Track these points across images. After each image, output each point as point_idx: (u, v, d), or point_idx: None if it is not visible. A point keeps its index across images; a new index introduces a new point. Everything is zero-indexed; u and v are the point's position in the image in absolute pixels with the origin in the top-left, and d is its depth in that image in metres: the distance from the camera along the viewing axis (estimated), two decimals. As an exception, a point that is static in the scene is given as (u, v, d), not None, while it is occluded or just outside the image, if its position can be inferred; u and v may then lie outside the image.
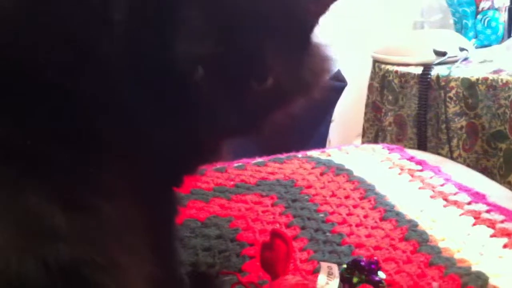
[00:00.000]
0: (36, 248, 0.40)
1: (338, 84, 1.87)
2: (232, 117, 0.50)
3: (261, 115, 0.53)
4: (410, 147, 1.41)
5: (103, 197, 0.45)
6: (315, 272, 0.67)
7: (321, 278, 0.61)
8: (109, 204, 0.45)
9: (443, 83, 1.44)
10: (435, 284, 0.65)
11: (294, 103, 0.57)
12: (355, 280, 0.62)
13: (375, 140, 1.66)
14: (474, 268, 0.68)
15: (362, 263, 0.63)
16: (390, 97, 1.60)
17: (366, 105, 1.75)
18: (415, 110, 1.51)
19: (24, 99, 0.45)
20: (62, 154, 0.45)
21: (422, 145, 1.49)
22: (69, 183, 0.44)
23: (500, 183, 1.23)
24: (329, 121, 1.99)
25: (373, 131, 1.71)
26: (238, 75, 0.49)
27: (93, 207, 0.44)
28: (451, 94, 1.43)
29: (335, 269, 0.62)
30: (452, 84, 1.43)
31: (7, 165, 0.42)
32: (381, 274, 0.64)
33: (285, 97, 0.54)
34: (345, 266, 0.64)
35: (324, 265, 0.62)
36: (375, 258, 0.68)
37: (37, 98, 0.46)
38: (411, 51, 1.61)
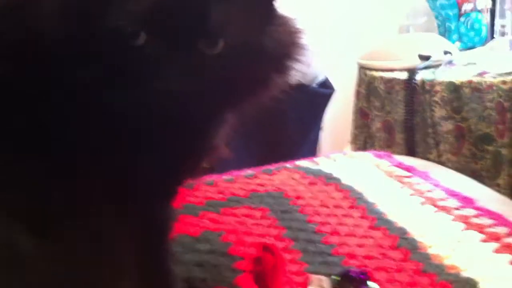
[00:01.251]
0: (2, 276, 0.39)
1: (326, 91, 1.88)
2: (184, 82, 0.46)
3: (224, 87, 0.49)
4: (399, 153, 1.42)
5: (77, 216, 0.44)
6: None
7: None
8: (85, 224, 0.44)
9: (428, 87, 1.46)
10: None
11: (271, 82, 0.53)
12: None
13: (364, 147, 1.67)
14: (464, 274, 0.69)
15: (352, 274, 0.63)
16: (376, 103, 1.61)
17: (354, 112, 1.76)
18: (402, 115, 1.52)
19: None
20: (29, 171, 0.43)
21: (410, 150, 1.50)
22: (38, 205, 0.42)
23: (489, 185, 1.24)
24: (319, 128, 2.00)
25: (362, 138, 1.72)
26: (183, 35, 0.45)
27: (66, 229, 0.43)
28: (436, 98, 1.44)
29: (326, 281, 0.62)
30: (437, 88, 1.44)
31: None
32: (372, 284, 0.64)
33: (249, 66, 0.50)
34: (334, 277, 0.64)
35: (314, 277, 0.63)
36: (365, 268, 0.68)
37: None
38: (395, 56, 1.62)
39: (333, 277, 0.65)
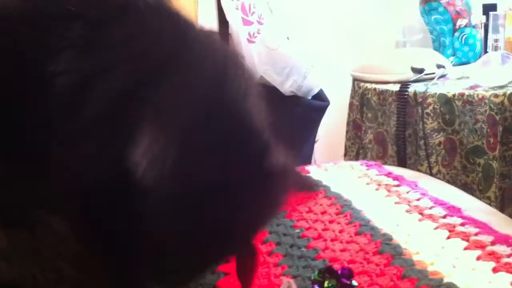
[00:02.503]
0: None
1: (321, 104, 1.89)
2: None
3: None
4: (390, 165, 1.42)
5: (51, 210, 0.44)
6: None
7: None
8: (57, 218, 0.43)
9: (420, 100, 1.46)
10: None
11: None
12: (326, 284, 0.62)
13: (356, 158, 1.68)
14: (447, 280, 0.69)
15: (335, 269, 0.64)
16: (369, 115, 1.62)
17: (347, 124, 1.77)
18: (394, 127, 1.52)
19: None
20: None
21: (401, 162, 1.50)
22: (11, 197, 0.43)
23: (479, 198, 1.24)
24: (313, 141, 2.00)
25: (355, 149, 1.72)
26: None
27: (39, 221, 0.43)
28: (428, 110, 1.45)
29: (293, 284, 0.63)
30: (429, 100, 1.45)
31: None
32: (354, 282, 0.64)
33: None
34: (317, 272, 0.65)
35: (284, 280, 0.63)
36: (351, 265, 0.69)
37: None
38: (389, 69, 1.63)
39: (315, 272, 0.65)
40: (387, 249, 0.77)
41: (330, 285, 0.62)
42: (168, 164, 0.41)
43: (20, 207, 0.42)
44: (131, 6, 0.46)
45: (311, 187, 0.52)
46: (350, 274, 0.64)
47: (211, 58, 0.47)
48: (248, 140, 0.47)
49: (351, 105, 1.74)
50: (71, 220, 0.43)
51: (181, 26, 0.47)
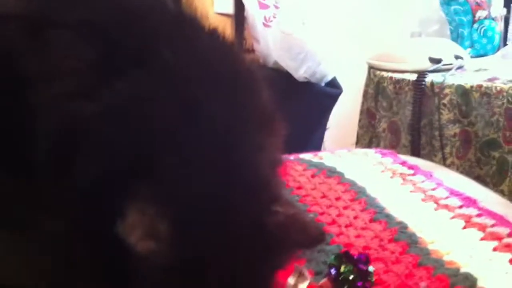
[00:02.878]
0: None
1: (334, 91, 1.88)
2: None
3: None
4: (403, 154, 1.41)
5: (50, 213, 0.40)
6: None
7: (291, 280, 0.61)
8: (57, 220, 0.39)
9: (437, 90, 1.45)
10: (423, 284, 0.64)
11: None
12: (343, 268, 0.62)
13: (369, 147, 1.67)
14: (463, 270, 0.68)
15: (352, 254, 0.63)
16: (384, 104, 1.60)
17: (361, 112, 1.75)
18: (409, 116, 1.51)
19: None
20: None
21: (415, 152, 1.49)
22: (10, 200, 0.40)
23: (493, 191, 1.23)
24: (324, 128, 1.99)
25: (367, 138, 1.71)
26: None
27: (38, 224, 0.40)
28: (445, 101, 1.43)
29: (305, 271, 0.62)
30: (446, 91, 1.43)
31: None
32: (371, 268, 0.64)
33: None
34: (333, 256, 0.64)
35: (296, 266, 0.63)
36: (366, 251, 0.68)
37: None
38: (406, 58, 1.61)
39: (332, 257, 0.64)
40: (403, 237, 0.76)
41: (346, 270, 0.62)
42: (163, 236, 0.38)
43: (19, 210, 0.40)
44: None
45: (317, 239, 0.47)
46: (367, 260, 0.63)
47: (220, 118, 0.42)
48: (251, 208, 0.42)
49: (365, 93, 1.72)
50: (70, 223, 0.41)
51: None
